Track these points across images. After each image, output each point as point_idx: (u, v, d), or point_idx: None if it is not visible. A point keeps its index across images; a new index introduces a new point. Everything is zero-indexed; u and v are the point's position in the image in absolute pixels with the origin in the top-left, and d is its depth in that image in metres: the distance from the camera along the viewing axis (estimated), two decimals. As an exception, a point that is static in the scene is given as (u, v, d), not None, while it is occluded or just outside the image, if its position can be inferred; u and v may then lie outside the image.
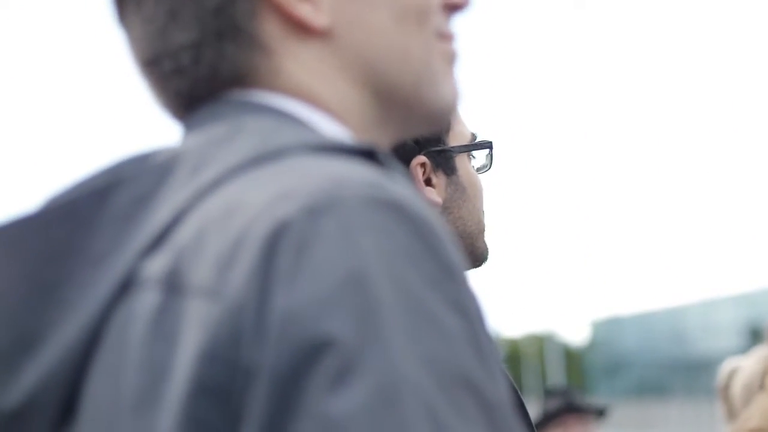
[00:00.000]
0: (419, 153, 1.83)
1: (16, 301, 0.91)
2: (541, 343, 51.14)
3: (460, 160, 1.88)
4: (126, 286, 0.88)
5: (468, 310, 0.81)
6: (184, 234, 0.85)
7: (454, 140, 1.87)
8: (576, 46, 78.75)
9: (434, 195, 1.83)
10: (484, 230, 1.89)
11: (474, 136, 1.92)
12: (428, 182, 1.85)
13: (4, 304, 0.91)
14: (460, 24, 1.07)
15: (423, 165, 1.84)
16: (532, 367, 49.99)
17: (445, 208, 1.84)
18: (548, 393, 5.32)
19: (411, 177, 1.82)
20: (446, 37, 1.04)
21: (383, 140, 1.04)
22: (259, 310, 0.78)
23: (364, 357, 0.75)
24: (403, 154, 1.81)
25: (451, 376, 0.77)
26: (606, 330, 47.12)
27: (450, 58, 1.04)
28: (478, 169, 1.92)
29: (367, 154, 0.89)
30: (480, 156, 1.93)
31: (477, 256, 1.89)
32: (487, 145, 1.92)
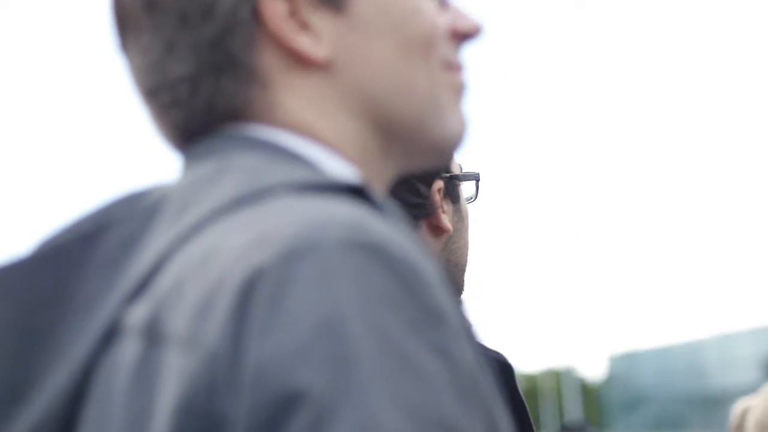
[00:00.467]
0: (438, 177, 1.82)
1: (6, 349, 0.90)
2: (558, 378, 50.98)
3: (462, 190, 1.88)
4: (111, 334, 0.86)
5: (451, 353, 0.77)
6: (164, 281, 0.84)
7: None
8: (577, 46, 78.34)
9: (447, 221, 1.82)
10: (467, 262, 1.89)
11: (460, 167, 1.91)
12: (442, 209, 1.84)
13: None
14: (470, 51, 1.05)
15: (440, 190, 1.83)
16: (550, 403, 49.82)
17: (449, 237, 1.83)
18: (566, 428, 5.30)
19: (432, 202, 1.81)
20: (454, 67, 1.02)
21: (387, 173, 1.01)
22: (233, 361, 0.76)
23: (340, 408, 0.72)
24: (426, 178, 1.80)
25: (431, 423, 0.74)
26: (623, 365, 46.97)
27: (458, 89, 1.02)
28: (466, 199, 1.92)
29: (355, 191, 0.87)
30: (468, 186, 1.93)
31: (461, 290, 1.88)
32: (476, 176, 1.91)
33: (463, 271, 1.87)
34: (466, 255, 1.87)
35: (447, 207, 1.83)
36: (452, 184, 1.84)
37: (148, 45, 0.97)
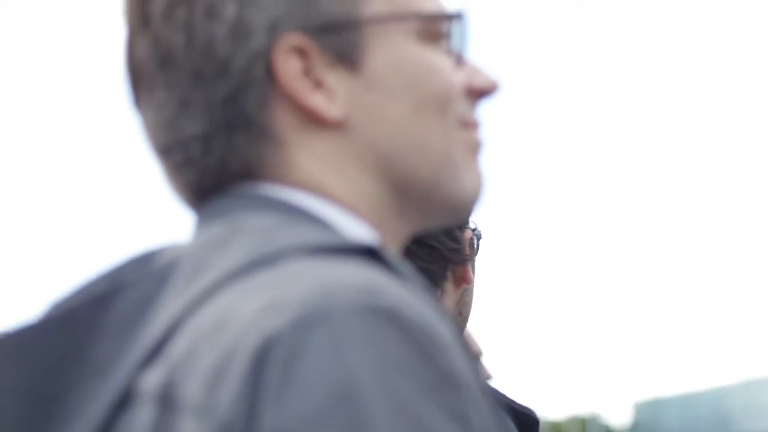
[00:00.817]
0: (468, 227, 1.81)
1: (20, 414, 0.89)
2: (583, 425, 50.65)
3: (467, 269, 1.84)
4: (125, 399, 0.85)
5: (468, 419, 0.77)
6: (178, 346, 0.83)
7: None
8: (577, 47, 77.76)
9: (472, 273, 1.81)
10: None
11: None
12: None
13: (7, 417, 0.89)
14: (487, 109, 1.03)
15: (469, 240, 1.82)
16: (575, 450, 49.44)
17: (465, 290, 1.82)
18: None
19: (465, 251, 1.79)
20: (470, 125, 1.01)
21: (402, 232, 1.00)
22: (247, 429, 0.75)
23: None
24: (462, 225, 1.78)
25: None
26: (649, 411, 46.66)
27: (474, 148, 1.01)
28: None
29: (369, 253, 0.86)
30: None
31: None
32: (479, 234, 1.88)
33: (466, 323, 1.87)
34: (470, 309, 1.86)
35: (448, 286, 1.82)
36: (475, 237, 1.83)
37: (162, 102, 0.96)
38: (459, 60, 1.00)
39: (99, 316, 0.91)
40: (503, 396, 1.87)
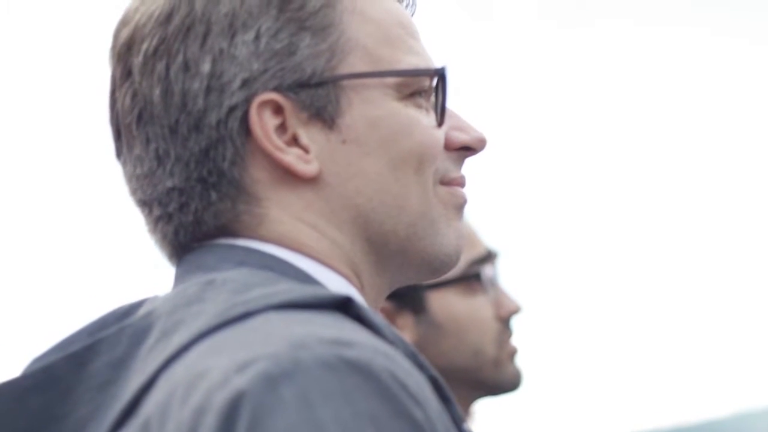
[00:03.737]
0: None
1: None
2: (574, 456, 50.65)
3: (439, 296, 1.80)
4: None
5: None
6: (151, 403, 0.83)
7: None
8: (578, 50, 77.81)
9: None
10: (489, 361, 1.80)
11: (474, 263, 1.81)
12: (395, 323, 1.76)
13: None
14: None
15: (383, 309, 1.75)
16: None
17: (420, 347, 1.73)
18: None
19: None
20: (452, 182, 1.00)
21: (380, 285, 1.00)
22: None
23: None
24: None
25: None
26: (640, 443, 46.70)
27: (455, 205, 1.00)
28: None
29: (342, 306, 0.86)
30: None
31: (490, 387, 1.82)
32: (470, 276, 1.81)
33: (470, 372, 1.79)
34: (464, 358, 1.79)
35: (404, 321, 1.78)
36: (410, 297, 1.78)
37: (140, 155, 0.96)
38: (441, 115, 0.99)
39: (76, 374, 0.91)
40: None
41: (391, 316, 1.78)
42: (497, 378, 1.82)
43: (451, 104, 1.00)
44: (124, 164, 0.99)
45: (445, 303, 1.80)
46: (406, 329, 1.78)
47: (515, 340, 1.85)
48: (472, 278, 1.81)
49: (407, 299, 1.78)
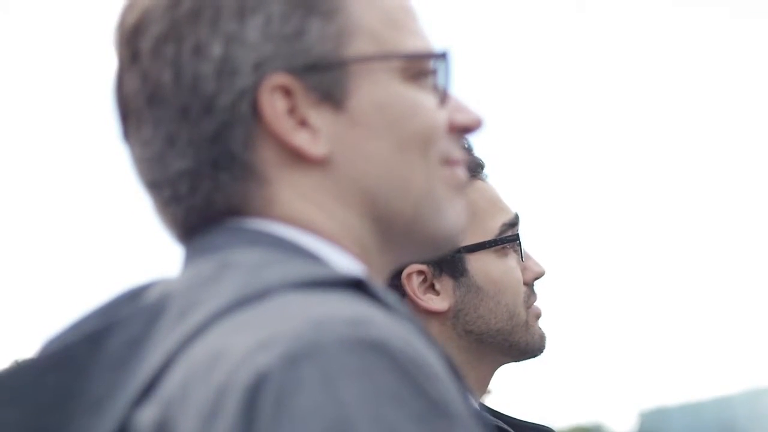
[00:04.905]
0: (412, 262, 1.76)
1: None
2: (587, 434, 50.54)
3: (476, 259, 1.82)
4: None
5: None
6: (171, 383, 0.84)
7: (473, 236, 1.81)
8: (578, 50, 77.10)
9: (437, 302, 1.78)
10: (521, 323, 1.82)
11: (505, 227, 1.83)
12: (433, 287, 1.79)
13: None
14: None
15: (421, 272, 1.78)
16: (579, 459, 49.33)
17: (459, 311, 1.79)
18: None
19: (403, 293, 1.77)
20: (453, 162, 1.02)
21: (386, 265, 1.02)
22: None
23: None
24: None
25: None
26: (653, 420, 46.56)
27: (456, 184, 1.02)
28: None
29: (356, 285, 0.87)
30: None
31: (521, 350, 1.83)
32: (510, 239, 1.83)
33: (504, 334, 1.81)
34: (501, 320, 1.81)
35: (443, 285, 1.79)
36: (448, 261, 1.79)
37: (149, 138, 0.97)
38: (443, 97, 1.01)
39: (92, 353, 0.92)
40: (510, 418, 1.86)
41: (429, 281, 1.79)
42: (528, 340, 1.83)
43: (451, 86, 1.02)
44: (131, 146, 1.00)
45: (483, 265, 1.82)
46: (445, 293, 1.79)
47: (539, 303, 1.88)
48: (507, 240, 1.83)
49: (446, 263, 1.79)
